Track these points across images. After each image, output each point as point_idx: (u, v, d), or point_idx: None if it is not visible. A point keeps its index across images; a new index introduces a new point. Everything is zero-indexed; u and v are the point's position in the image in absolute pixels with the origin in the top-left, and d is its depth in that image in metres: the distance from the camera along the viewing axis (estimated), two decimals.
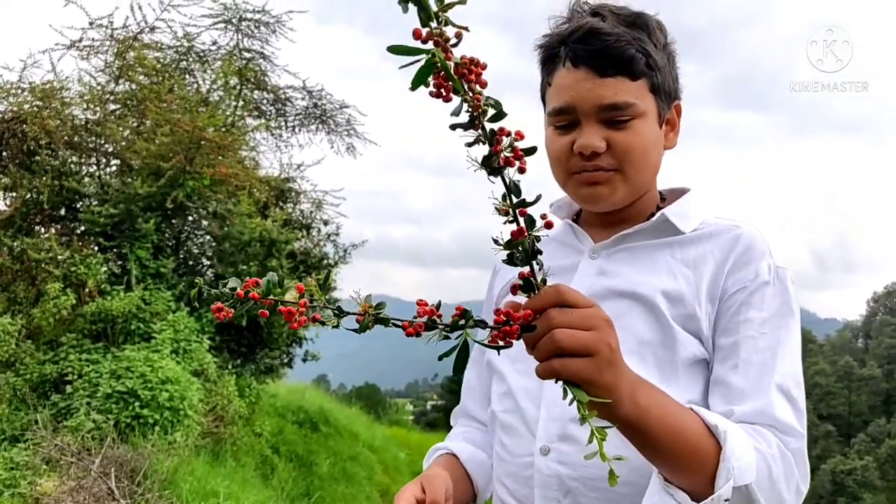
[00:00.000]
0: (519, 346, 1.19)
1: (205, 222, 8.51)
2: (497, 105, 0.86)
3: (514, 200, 0.88)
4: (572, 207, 1.45)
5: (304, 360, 10.12)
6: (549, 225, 0.89)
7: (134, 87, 8.66)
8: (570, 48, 1.23)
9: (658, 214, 1.30)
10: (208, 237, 8.59)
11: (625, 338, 1.16)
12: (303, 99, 11.31)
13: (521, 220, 0.89)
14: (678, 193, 1.38)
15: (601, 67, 1.21)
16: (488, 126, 0.86)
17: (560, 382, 1.07)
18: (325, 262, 10.07)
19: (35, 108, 7.62)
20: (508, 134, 0.86)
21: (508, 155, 0.87)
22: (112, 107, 8.51)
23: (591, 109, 1.22)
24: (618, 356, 0.94)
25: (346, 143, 11.78)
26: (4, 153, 7.65)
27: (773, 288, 1.23)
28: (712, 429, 1.04)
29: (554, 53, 1.26)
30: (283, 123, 11.32)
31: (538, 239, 0.90)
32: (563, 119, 1.25)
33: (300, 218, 10.15)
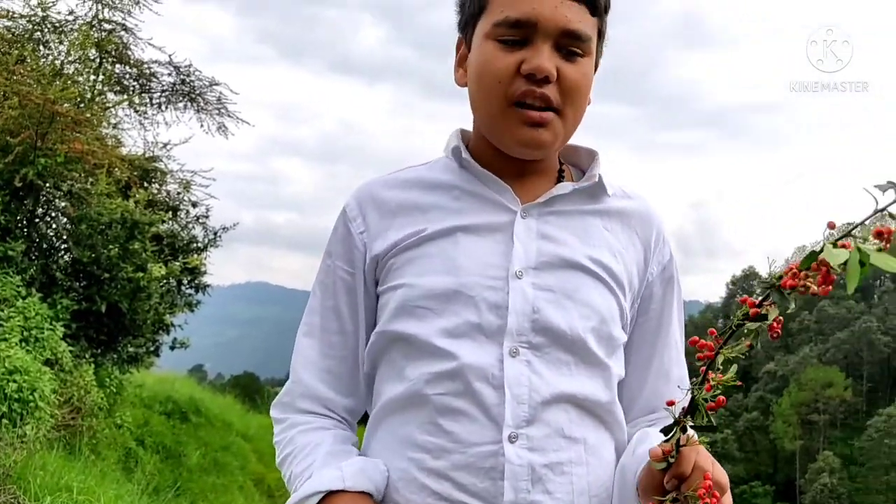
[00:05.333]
0: (456, 315, 1.13)
1: (60, 202, 7.99)
2: None
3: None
4: (453, 146, 1.23)
5: (172, 348, 9.72)
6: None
7: None
8: None
9: (597, 177, 1.21)
10: (64, 219, 8.07)
11: (588, 314, 1.16)
12: (169, 75, 10.81)
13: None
14: (585, 153, 1.28)
15: None
16: None
17: (520, 358, 1.12)
18: (194, 245, 9.71)
19: None
20: None
21: None
22: None
23: (553, 30, 1.09)
24: None
25: (217, 123, 11.36)
26: None
27: (675, 267, 1.29)
28: None
29: None
30: (147, 100, 10.78)
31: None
32: (515, 34, 1.10)
33: (166, 199, 9.72)
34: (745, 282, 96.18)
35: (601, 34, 1.17)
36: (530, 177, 1.21)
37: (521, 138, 1.14)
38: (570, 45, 1.11)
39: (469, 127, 1.27)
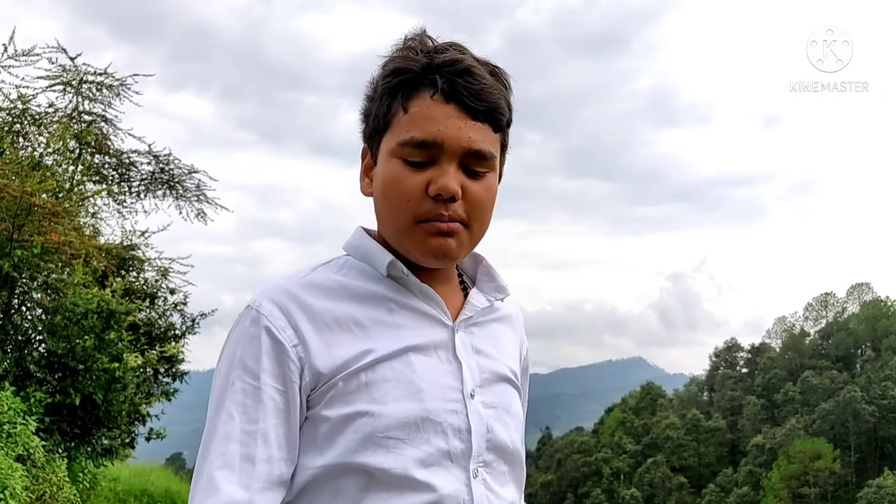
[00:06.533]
0: (427, 444, 1.09)
1: (35, 294, 7.93)
2: None
3: None
4: (381, 257, 1.18)
5: (148, 439, 9.51)
6: None
7: None
8: (445, 80, 1.10)
9: (506, 286, 1.27)
10: (39, 310, 8.00)
11: (518, 425, 1.22)
12: (149, 163, 10.94)
13: None
14: (476, 258, 1.30)
15: (474, 110, 1.11)
16: None
17: (479, 478, 1.12)
18: (172, 332, 9.62)
19: None
20: None
21: None
22: None
23: (457, 150, 1.10)
24: None
25: (196, 209, 11.45)
26: None
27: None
28: None
29: (417, 79, 1.12)
30: (126, 188, 10.86)
31: None
32: (421, 155, 1.11)
33: (144, 287, 9.68)
34: (727, 354, 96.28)
35: (504, 146, 1.20)
36: (439, 286, 1.20)
37: (430, 248, 1.13)
38: (474, 164, 1.13)
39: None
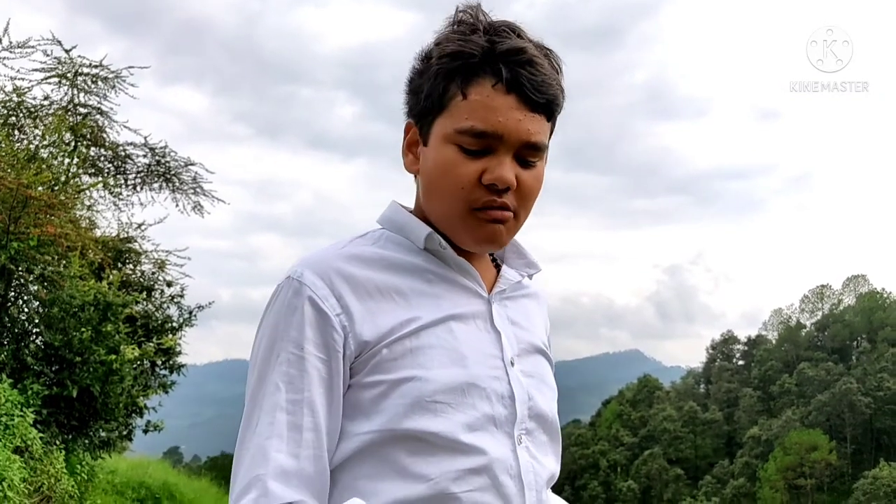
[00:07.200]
0: (473, 409, 1.10)
1: (32, 286, 7.92)
2: None
3: None
4: (418, 230, 1.19)
5: (146, 432, 9.53)
6: None
7: None
8: (510, 70, 1.10)
9: (536, 262, 1.30)
10: (36, 302, 8.00)
11: (553, 395, 1.26)
12: (144, 156, 10.92)
13: None
14: None
15: (534, 102, 1.11)
16: None
17: (523, 446, 1.14)
18: (169, 325, 9.62)
19: None
20: None
21: None
22: None
23: (515, 142, 1.11)
24: None
25: (193, 202, 11.44)
26: None
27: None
28: None
29: (478, 64, 1.11)
30: (122, 181, 10.85)
31: None
32: (479, 144, 1.11)
33: (140, 279, 9.68)
34: (724, 346, 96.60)
35: (551, 133, 1.21)
36: (473, 260, 1.22)
37: (483, 236, 1.16)
38: (528, 155, 1.14)
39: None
